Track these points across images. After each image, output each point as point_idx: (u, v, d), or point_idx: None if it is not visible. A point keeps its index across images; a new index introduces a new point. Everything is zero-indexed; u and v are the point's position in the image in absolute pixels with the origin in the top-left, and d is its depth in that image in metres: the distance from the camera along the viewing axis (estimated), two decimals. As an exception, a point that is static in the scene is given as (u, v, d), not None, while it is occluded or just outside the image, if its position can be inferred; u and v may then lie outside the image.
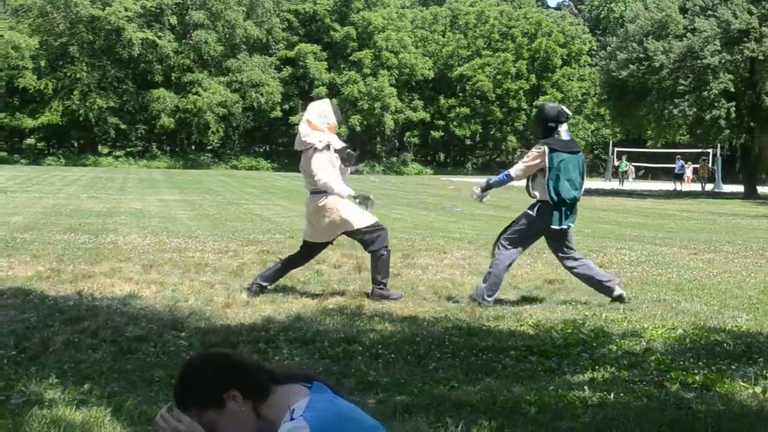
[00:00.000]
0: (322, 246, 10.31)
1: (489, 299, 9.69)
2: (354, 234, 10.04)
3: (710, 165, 59.08)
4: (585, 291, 10.65)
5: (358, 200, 10.24)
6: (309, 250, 10.29)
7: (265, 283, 10.00)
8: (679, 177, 59.80)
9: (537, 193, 9.81)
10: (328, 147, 9.76)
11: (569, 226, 9.81)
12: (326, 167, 9.75)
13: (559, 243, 9.95)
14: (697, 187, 58.25)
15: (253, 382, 3.22)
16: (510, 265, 9.99)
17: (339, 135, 10.22)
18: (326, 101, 10.29)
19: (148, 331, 7.81)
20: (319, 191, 9.83)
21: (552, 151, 9.62)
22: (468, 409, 5.70)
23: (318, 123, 9.84)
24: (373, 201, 10.50)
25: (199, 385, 3.23)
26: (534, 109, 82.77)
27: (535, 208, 9.86)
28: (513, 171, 9.91)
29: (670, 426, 5.40)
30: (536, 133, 11.67)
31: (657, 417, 5.57)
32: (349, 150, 10.10)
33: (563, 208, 9.68)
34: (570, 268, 10.05)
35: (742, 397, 6.12)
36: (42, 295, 9.44)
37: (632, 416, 5.56)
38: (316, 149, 9.72)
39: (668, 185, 60.78)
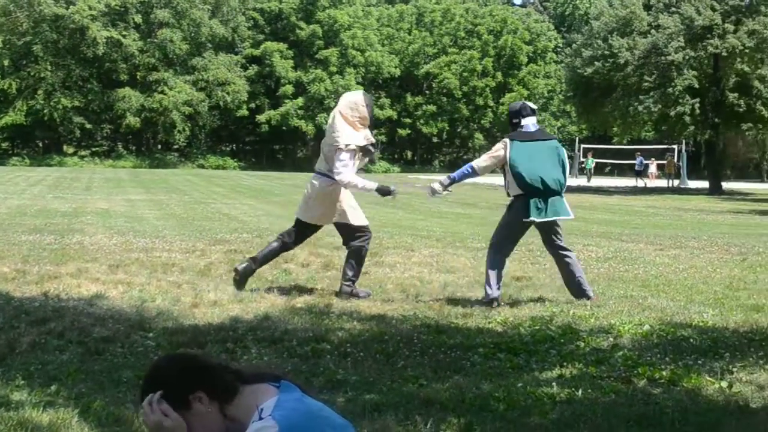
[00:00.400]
0: (315, 229, 10.43)
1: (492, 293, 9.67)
2: (344, 228, 10.11)
3: (675, 161, 59.46)
4: (552, 288, 10.71)
5: (382, 193, 10.21)
6: (302, 231, 10.36)
7: (253, 266, 10.15)
8: (639, 173, 60.21)
9: (510, 190, 9.77)
10: (354, 151, 9.81)
11: (540, 221, 9.66)
12: (350, 166, 9.80)
13: (545, 236, 9.94)
14: (663, 183, 58.64)
15: (218, 382, 3.21)
16: (502, 265, 9.91)
17: (371, 128, 10.14)
18: (360, 93, 10.28)
19: (115, 331, 7.77)
20: (331, 176, 9.91)
21: (513, 141, 9.63)
22: (437, 406, 5.71)
23: (349, 115, 9.85)
24: (396, 191, 10.48)
25: (164, 389, 3.21)
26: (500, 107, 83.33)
27: (510, 203, 9.86)
28: (476, 163, 9.94)
29: (638, 421, 5.43)
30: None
31: (624, 412, 5.61)
32: (370, 146, 10.13)
33: (535, 199, 9.53)
34: (557, 257, 9.97)
35: (709, 392, 6.17)
36: (7, 297, 9.36)
37: (600, 412, 5.59)
38: (340, 149, 9.76)
39: (634, 182, 61.07)
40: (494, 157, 9.76)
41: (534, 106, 10.15)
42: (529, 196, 9.54)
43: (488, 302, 9.52)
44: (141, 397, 3.29)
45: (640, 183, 58.72)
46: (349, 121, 9.83)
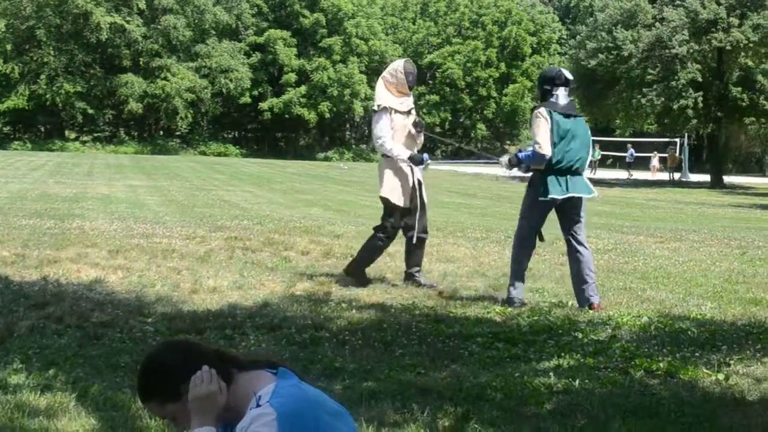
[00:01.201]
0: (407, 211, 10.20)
1: (515, 301, 9.09)
2: (383, 203, 10.13)
3: (677, 154, 59.41)
4: (551, 278, 10.72)
5: (415, 162, 10.13)
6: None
7: (415, 269, 10.21)
8: (630, 165, 60.33)
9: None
10: (386, 109, 9.83)
11: (561, 198, 8.96)
12: (386, 129, 9.84)
13: (561, 220, 9.28)
14: (664, 176, 58.60)
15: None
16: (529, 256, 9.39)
17: (413, 100, 10.13)
18: (402, 61, 10.21)
19: (113, 316, 7.78)
20: (385, 155, 9.99)
21: (551, 112, 8.93)
22: (434, 395, 5.72)
23: (390, 81, 9.95)
24: (428, 161, 10.39)
25: (156, 381, 3.23)
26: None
27: (529, 180, 9.25)
28: (536, 147, 8.89)
29: (634, 412, 5.44)
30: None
31: (621, 403, 5.62)
32: (417, 119, 10.17)
33: (552, 177, 8.92)
34: (570, 251, 9.32)
35: (706, 384, 6.18)
36: (7, 281, 9.38)
37: (597, 402, 5.60)
38: (374, 110, 9.90)
39: (637, 174, 61.06)
40: (547, 130, 8.87)
41: (570, 76, 9.39)
42: (548, 173, 8.94)
43: (510, 303, 9.01)
44: (138, 387, 3.33)
45: (630, 175, 58.72)
46: (388, 86, 9.96)
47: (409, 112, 10.06)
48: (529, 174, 9.28)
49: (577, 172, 9.10)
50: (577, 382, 6.11)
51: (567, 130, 8.97)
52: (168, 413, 3.28)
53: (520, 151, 9.46)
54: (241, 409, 3.15)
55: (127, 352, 6.61)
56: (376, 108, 9.89)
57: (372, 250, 10.14)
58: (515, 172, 9.86)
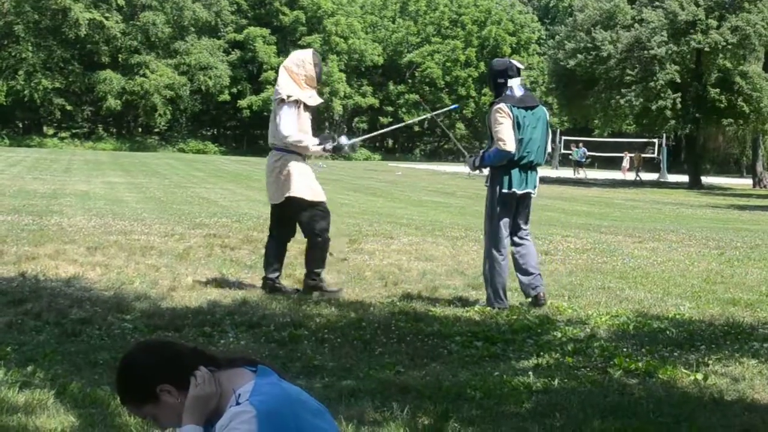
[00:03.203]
0: (277, 209, 9.63)
1: (502, 303, 8.98)
2: (296, 207, 9.36)
3: (641, 155, 59.40)
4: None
5: (334, 150, 9.69)
6: (273, 214, 9.82)
7: (274, 275, 9.48)
8: (580, 164, 60.27)
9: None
10: (297, 102, 9.24)
11: (523, 193, 9.00)
12: (293, 121, 9.23)
13: (517, 213, 9.13)
14: (632, 176, 58.59)
15: (186, 372, 3.22)
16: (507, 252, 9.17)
17: (319, 92, 9.80)
18: (309, 51, 9.66)
19: (92, 313, 7.75)
20: (279, 148, 9.37)
21: (510, 107, 8.81)
22: (414, 393, 5.72)
23: (296, 72, 9.33)
24: (347, 145, 9.88)
25: (132, 383, 3.25)
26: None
27: (489, 177, 9.15)
28: (501, 145, 8.77)
29: (613, 411, 5.46)
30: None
31: (600, 402, 5.63)
32: (330, 134, 9.88)
33: (515, 170, 8.88)
34: (513, 244, 9.19)
35: (684, 384, 6.21)
36: (-16, 277, 9.34)
37: (576, 402, 5.61)
38: (283, 100, 9.24)
39: (614, 174, 61.22)
40: (510, 126, 8.78)
41: (521, 66, 9.33)
42: (511, 167, 8.90)
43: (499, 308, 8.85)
44: (116, 390, 3.35)
45: (578, 174, 58.59)
46: (295, 77, 9.33)
47: (316, 108, 9.60)
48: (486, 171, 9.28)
49: (535, 167, 9.11)
50: (556, 381, 6.12)
51: (527, 125, 8.93)
52: (147, 414, 3.29)
53: (484, 151, 9.25)
54: (221, 408, 3.15)
55: (105, 349, 6.59)
56: (284, 98, 9.24)
57: (321, 252, 9.56)
58: (478, 171, 9.63)
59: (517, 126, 8.83)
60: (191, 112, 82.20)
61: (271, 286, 9.35)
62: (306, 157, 9.54)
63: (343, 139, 9.88)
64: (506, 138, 8.78)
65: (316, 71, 9.41)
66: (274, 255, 9.56)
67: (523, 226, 9.21)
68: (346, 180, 39.49)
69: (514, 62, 9.32)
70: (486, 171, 9.32)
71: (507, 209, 9.03)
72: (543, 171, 9.67)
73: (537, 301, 9.02)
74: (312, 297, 9.14)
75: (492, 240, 9.07)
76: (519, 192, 8.96)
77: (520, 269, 9.16)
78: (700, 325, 8.22)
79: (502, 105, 8.87)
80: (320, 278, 9.50)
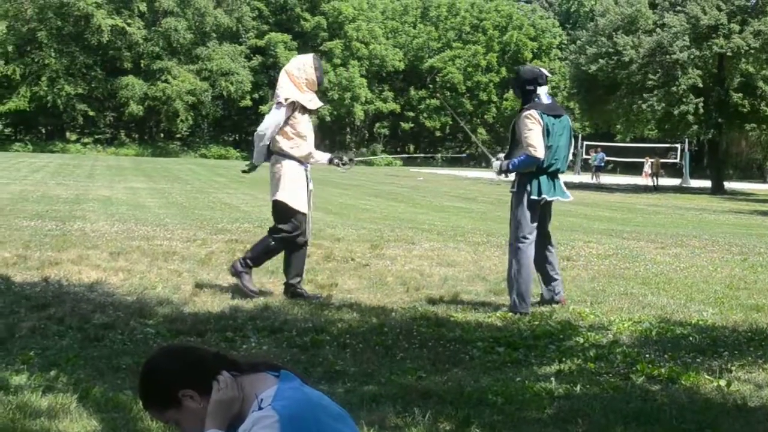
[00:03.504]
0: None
1: (525, 309, 8.97)
2: (279, 210, 9.39)
3: (660, 160, 59.10)
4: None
5: (338, 160, 9.92)
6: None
7: (297, 279, 9.47)
8: (599, 169, 59.67)
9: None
10: (293, 105, 9.28)
11: (551, 200, 9.15)
12: (274, 121, 9.30)
13: (542, 219, 9.25)
14: (641, 181, 58.27)
15: (208, 377, 3.22)
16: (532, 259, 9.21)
17: (321, 95, 9.80)
18: (310, 56, 9.71)
19: (115, 318, 7.78)
20: (277, 152, 9.37)
21: (541, 114, 8.91)
22: (435, 399, 5.72)
23: (297, 76, 9.39)
24: (348, 160, 10.10)
25: (154, 389, 3.26)
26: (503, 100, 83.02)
27: (516, 183, 9.16)
28: (532, 151, 8.83)
29: (635, 418, 5.43)
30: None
31: (622, 409, 5.61)
32: (345, 156, 9.94)
33: (543, 177, 8.98)
34: (538, 250, 9.23)
35: (707, 390, 6.17)
36: (8, 282, 9.38)
37: (598, 408, 5.59)
38: (279, 103, 9.33)
39: (636, 180, 60.95)
40: (540, 133, 8.86)
41: (548, 74, 9.45)
42: (539, 174, 8.98)
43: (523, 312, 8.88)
44: (139, 395, 3.36)
45: (596, 179, 58.17)
46: (295, 81, 9.37)
47: (316, 111, 9.64)
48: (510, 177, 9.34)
49: (558, 174, 9.19)
50: (578, 387, 6.10)
51: (555, 132, 9.00)
52: (170, 419, 3.29)
53: (505, 156, 9.30)
54: (243, 412, 3.16)
55: (128, 354, 6.61)
56: (282, 101, 9.28)
57: (264, 251, 9.51)
58: (504, 176, 9.67)
59: (546, 133, 8.89)
60: (213, 118, 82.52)
61: (292, 292, 9.35)
62: (306, 163, 9.54)
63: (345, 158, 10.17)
64: (537, 144, 8.84)
65: (317, 75, 9.45)
66: (291, 260, 9.54)
67: (548, 233, 9.33)
68: (367, 185, 39.52)
69: (543, 70, 9.35)
70: (511, 176, 9.36)
71: (534, 215, 9.07)
72: (565, 176, 9.64)
73: (553, 303, 9.22)
74: (306, 296, 9.18)
75: (518, 246, 9.07)
76: (549, 198, 9.05)
77: (547, 275, 9.32)
78: (723, 331, 8.18)
79: (533, 111, 8.92)
80: (247, 270, 9.40)
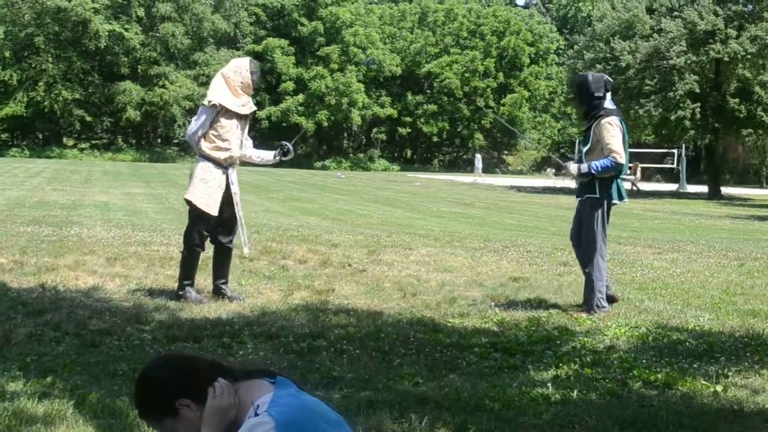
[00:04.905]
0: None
1: (604, 305, 9.28)
2: (189, 210, 9.43)
3: (639, 164, 59.08)
4: (549, 289, 10.72)
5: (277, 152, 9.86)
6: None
7: (221, 281, 9.61)
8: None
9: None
10: (215, 107, 9.23)
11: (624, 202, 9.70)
12: (197, 124, 9.28)
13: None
14: (644, 186, 58.27)
15: (205, 386, 3.23)
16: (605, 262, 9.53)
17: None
18: (247, 60, 9.71)
19: (111, 324, 7.78)
20: (198, 154, 9.41)
21: (621, 121, 9.28)
22: (432, 405, 5.72)
23: (233, 79, 9.36)
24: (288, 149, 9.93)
25: (151, 399, 3.27)
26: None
27: (596, 187, 9.31)
28: (617, 158, 9.07)
29: (632, 423, 5.44)
30: (578, 108, 11.22)
31: (619, 414, 5.62)
32: (286, 144, 9.88)
33: (618, 182, 9.37)
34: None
35: (703, 396, 6.18)
36: (5, 287, 9.38)
37: (594, 413, 5.60)
38: (203, 105, 9.35)
39: (628, 185, 60.84)
40: (621, 140, 9.17)
41: (611, 80, 9.71)
42: (616, 178, 9.32)
43: (593, 310, 9.20)
44: (135, 404, 3.37)
45: (479, 179, 60.64)
46: (230, 84, 9.35)
47: (251, 115, 9.61)
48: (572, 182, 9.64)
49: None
50: (575, 392, 6.11)
51: (626, 137, 9.35)
52: (167, 428, 3.30)
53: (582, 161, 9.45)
54: (239, 419, 3.16)
55: (125, 360, 6.61)
56: (205, 103, 9.26)
57: (183, 264, 9.53)
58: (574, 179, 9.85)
59: (624, 139, 9.25)
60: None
61: (216, 291, 9.48)
62: (227, 166, 9.45)
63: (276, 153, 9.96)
64: (620, 150, 9.14)
65: (253, 78, 9.46)
66: (213, 262, 9.71)
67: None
68: (365, 191, 39.54)
69: (607, 77, 9.60)
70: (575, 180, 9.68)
71: (608, 218, 9.50)
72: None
73: (612, 300, 9.54)
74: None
75: (598, 248, 9.37)
76: (626, 202, 9.69)
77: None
78: (720, 337, 8.19)
79: (614, 118, 9.22)
80: (184, 289, 9.40)
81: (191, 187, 9.34)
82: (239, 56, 63.86)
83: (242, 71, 9.40)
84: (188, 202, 9.38)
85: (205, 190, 9.29)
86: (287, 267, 11.93)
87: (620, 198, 9.39)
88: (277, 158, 9.91)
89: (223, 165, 9.39)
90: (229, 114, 9.32)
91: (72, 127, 78.42)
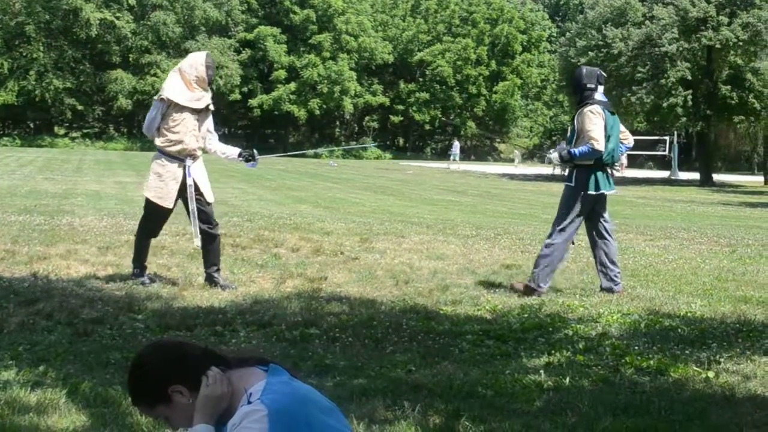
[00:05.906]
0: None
1: (543, 286, 9.52)
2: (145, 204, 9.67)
3: (668, 152, 59.39)
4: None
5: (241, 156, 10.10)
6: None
7: (213, 268, 9.64)
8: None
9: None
10: (163, 101, 9.32)
11: (610, 193, 9.75)
12: (151, 119, 9.43)
13: (594, 213, 9.74)
14: (628, 173, 58.43)
15: (197, 373, 3.23)
16: (566, 250, 9.90)
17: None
18: (203, 54, 9.72)
19: (104, 313, 7.76)
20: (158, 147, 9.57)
21: (605, 110, 9.52)
22: (425, 392, 5.72)
23: (188, 73, 9.39)
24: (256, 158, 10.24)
25: (143, 385, 3.26)
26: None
27: (573, 176, 9.68)
28: (595, 144, 9.35)
29: (624, 410, 5.45)
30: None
31: (611, 401, 5.63)
32: (248, 152, 10.10)
33: (599, 172, 9.52)
34: (598, 239, 9.81)
35: (695, 382, 6.19)
36: (-4, 277, 9.36)
37: (587, 400, 5.60)
38: (155, 99, 9.45)
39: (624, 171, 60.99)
40: (603, 127, 9.45)
41: (605, 74, 9.96)
42: (596, 168, 9.52)
43: (531, 287, 9.49)
44: (128, 391, 3.36)
45: (453, 166, 62.40)
46: (185, 78, 9.39)
47: (206, 109, 9.58)
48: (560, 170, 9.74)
49: (608, 169, 9.73)
50: (567, 379, 6.12)
51: (611, 127, 9.55)
52: (159, 414, 3.30)
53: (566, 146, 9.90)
54: (232, 407, 3.16)
55: (117, 349, 6.60)
56: (156, 97, 9.45)
57: (135, 248, 9.76)
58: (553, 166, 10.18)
59: (607, 129, 9.46)
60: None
61: (208, 280, 9.54)
62: (183, 158, 9.55)
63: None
64: (599, 137, 9.38)
65: (208, 73, 9.46)
66: (202, 250, 9.78)
67: (608, 221, 9.85)
68: (357, 179, 39.53)
69: (600, 71, 9.94)
70: (560, 167, 9.92)
71: (585, 209, 9.63)
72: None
73: (612, 291, 9.63)
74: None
75: (563, 233, 9.65)
76: (607, 193, 9.67)
77: (611, 261, 9.79)
78: (712, 323, 8.20)
79: (596, 107, 9.49)
80: (137, 274, 9.54)
81: (147, 182, 9.58)
82: (231, 45, 63.56)
83: (198, 66, 9.43)
84: (145, 197, 9.60)
85: (159, 183, 9.47)
86: (280, 255, 11.93)
87: (596, 189, 9.50)
88: (240, 160, 10.17)
89: (178, 158, 9.50)
90: (179, 108, 9.36)
91: (63, 116, 78.35)
